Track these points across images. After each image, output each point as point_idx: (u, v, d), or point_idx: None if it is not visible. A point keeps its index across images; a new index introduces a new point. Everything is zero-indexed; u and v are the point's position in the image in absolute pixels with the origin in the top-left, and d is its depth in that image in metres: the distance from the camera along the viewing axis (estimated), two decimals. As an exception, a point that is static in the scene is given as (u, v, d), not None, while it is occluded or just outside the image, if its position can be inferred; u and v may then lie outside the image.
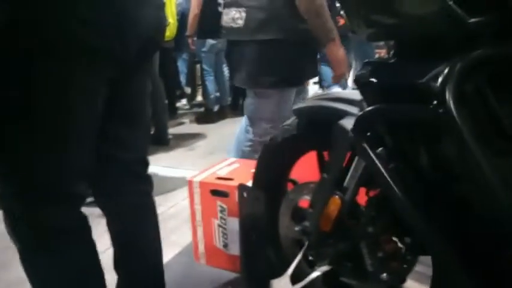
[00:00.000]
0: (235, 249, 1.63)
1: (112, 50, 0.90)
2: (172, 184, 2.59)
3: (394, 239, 1.06)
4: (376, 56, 3.81)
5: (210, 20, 4.22)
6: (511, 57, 0.66)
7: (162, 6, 1.10)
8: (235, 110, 5.01)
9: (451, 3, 0.70)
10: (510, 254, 0.70)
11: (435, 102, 0.65)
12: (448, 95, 0.63)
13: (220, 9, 4.50)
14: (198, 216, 1.75)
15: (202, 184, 1.70)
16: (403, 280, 1.06)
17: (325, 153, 1.18)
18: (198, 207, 1.74)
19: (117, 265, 1.21)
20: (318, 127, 1.16)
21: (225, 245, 1.70)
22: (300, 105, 1.23)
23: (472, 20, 0.69)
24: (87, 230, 1.03)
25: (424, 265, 1.07)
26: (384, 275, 1.00)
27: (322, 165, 1.21)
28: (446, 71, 0.64)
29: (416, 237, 0.97)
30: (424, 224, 0.80)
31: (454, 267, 0.76)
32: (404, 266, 1.08)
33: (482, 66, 0.65)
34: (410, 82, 0.71)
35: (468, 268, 0.76)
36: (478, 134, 0.63)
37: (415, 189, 0.82)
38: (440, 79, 0.64)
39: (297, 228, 1.24)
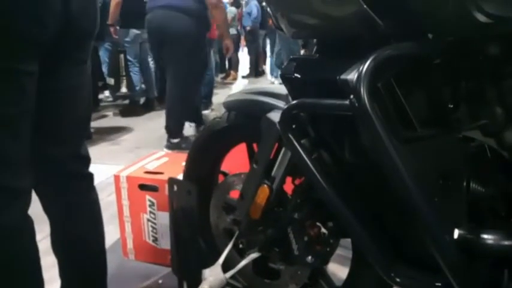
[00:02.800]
0: (165, 243, 1.63)
1: (29, 30, 0.86)
2: (96, 180, 2.49)
3: (318, 224, 1.14)
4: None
5: (134, 9, 4.11)
6: (415, 56, 0.75)
7: None
8: (163, 102, 4.92)
9: (365, 6, 0.77)
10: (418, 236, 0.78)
11: (351, 96, 0.72)
12: (362, 90, 0.70)
13: (144, -2, 4.37)
14: (126, 212, 1.72)
15: (129, 179, 1.67)
16: (327, 262, 1.14)
17: (255, 145, 1.22)
18: (125, 203, 1.71)
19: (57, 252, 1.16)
20: (247, 120, 1.20)
21: (155, 240, 1.69)
22: (230, 98, 1.26)
23: (383, 22, 0.77)
24: (25, 231, 0.96)
25: (345, 248, 1.16)
26: (309, 257, 1.07)
27: (252, 156, 1.25)
28: (360, 68, 0.71)
29: (337, 221, 1.05)
30: (343, 209, 0.87)
31: (371, 249, 0.84)
32: (328, 249, 1.16)
33: (391, 64, 0.73)
34: (330, 78, 0.77)
35: (383, 248, 0.84)
36: (388, 125, 0.71)
37: (336, 176, 0.89)
38: (355, 75, 0.71)
39: (228, 219, 1.27)
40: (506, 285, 0.77)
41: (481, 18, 0.68)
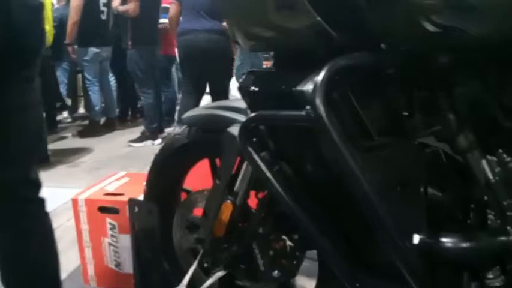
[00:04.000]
0: (128, 267, 1.56)
1: None
2: (54, 205, 2.38)
3: (283, 237, 1.12)
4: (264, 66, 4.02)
5: (92, 27, 4.04)
6: (369, 66, 0.77)
7: (37, 8, 1.02)
8: (124, 121, 4.81)
9: (319, 18, 0.78)
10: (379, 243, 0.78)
11: (307, 107, 0.72)
12: (317, 101, 0.70)
13: (102, 16, 4.31)
14: (86, 237, 1.64)
15: (88, 202, 1.60)
16: (293, 275, 1.13)
17: (218, 161, 1.21)
18: (85, 227, 1.63)
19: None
20: (208, 135, 1.19)
21: (117, 264, 1.62)
22: (190, 114, 1.24)
23: (337, 34, 0.78)
24: None
25: (313, 260, 1.16)
26: (275, 272, 1.05)
27: (215, 172, 1.23)
28: (315, 79, 0.71)
29: (302, 233, 1.04)
30: (306, 221, 0.87)
31: (335, 259, 0.84)
32: (294, 262, 1.15)
33: (346, 74, 0.75)
34: (287, 90, 0.77)
35: (347, 259, 0.84)
36: (346, 135, 0.72)
37: (298, 188, 0.89)
38: (310, 86, 0.72)
39: (191, 238, 1.24)
40: (466, 286, 0.78)
41: (431, 28, 0.70)
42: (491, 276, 0.77)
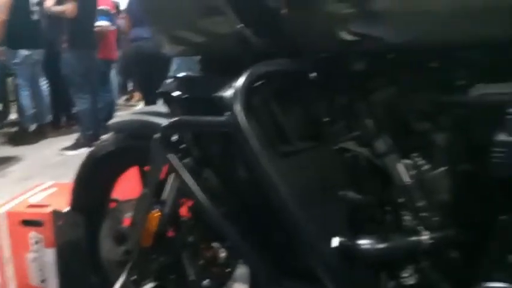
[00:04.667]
0: (55, 283, 1.47)
1: None
2: (-26, 219, 2.18)
3: (215, 245, 1.11)
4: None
5: (22, 28, 3.80)
6: (289, 72, 0.78)
7: None
8: (57, 128, 4.55)
9: (240, 25, 0.79)
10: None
11: (227, 113, 0.72)
12: (236, 107, 0.70)
13: (34, 17, 4.07)
14: (7, 253, 1.52)
15: (10, 214, 1.48)
16: (224, 284, 1.12)
17: (147, 168, 1.17)
18: (6, 242, 1.51)
19: None
20: (136, 142, 1.15)
21: (43, 281, 1.51)
22: (117, 120, 1.19)
23: (259, 40, 0.79)
24: None
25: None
26: (205, 281, 1.03)
27: (144, 180, 1.19)
28: (235, 85, 0.71)
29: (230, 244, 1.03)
30: (228, 229, 0.86)
31: (258, 267, 0.84)
32: (227, 270, 1.14)
33: (267, 80, 0.75)
34: (209, 95, 0.76)
35: (271, 265, 0.84)
36: (265, 140, 0.72)
37: (222, 196, 0.88)
38: (230, 92, 0.71)
39: (119, 250, 1.19)
40: (384, 286, 0.81)
41: (347, 36, 0.73)
42: (405, 274, 0.80)
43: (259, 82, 0.73)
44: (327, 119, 0.84)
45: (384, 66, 0.81)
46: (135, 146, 1.16)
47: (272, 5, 0.75)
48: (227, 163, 0.86)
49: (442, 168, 0.78)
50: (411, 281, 0.80)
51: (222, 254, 1.12)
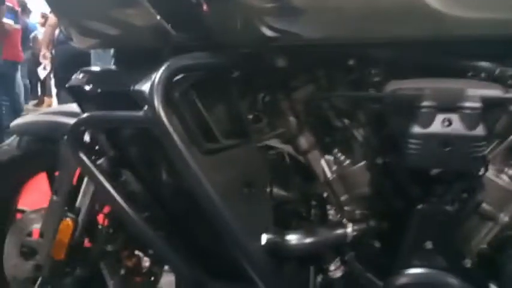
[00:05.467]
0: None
1: None
2: None
3: (138, 253, 1.04)
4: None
5: None
6: (209, 67, 0.75)
7: None
8: None
9: (159, 18, 0.74)
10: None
11: (145, 108, 0.67)
12: (156, 101, 0.65)
13: None
14: None
15: None
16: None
17: (57, 174, 1.06)
18: None
19: None
20: (43, 145, 1.04)
21: None
22: (20, 121, 1.07)
23: (178, 33, 0.75)
24: None
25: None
26: (127, 292, 0.96)
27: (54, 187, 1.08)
28: (153, 78, 0.67)
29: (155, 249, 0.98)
30: (150, 234, 0.81)
31: (184, 271, 0.80)
32: (151, 278, 1.08)
33: (187, 75, 0.72)
34: (125, 90, 0.71)
35: (197, 267, 0.81)
36: (187, 137, 0.68)
37: (141, 198, 0.83)
38: (148, 85, 0.67)
39: (28, 265, 1.06)
40: (313, 280, 0.82)
41: (266, 31, 0.72)
42: (332, 267, 0.82)
43: (179, 76, 0.70)
44: (251, 116, 0.83)
45: (303, 64, 0.82)
46: (42, 150, 1.05)
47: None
48: (146, 163, 0.81)
49: (362, 162, 0.81)
50: (338, 274, 0.81)
51: (146, 262, 1.06)
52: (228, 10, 0.71)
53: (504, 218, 0.76)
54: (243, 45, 0.76)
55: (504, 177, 0.76)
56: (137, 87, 0.69)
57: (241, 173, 0.76)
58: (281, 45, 0.75)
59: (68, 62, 3.20)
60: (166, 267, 1.11)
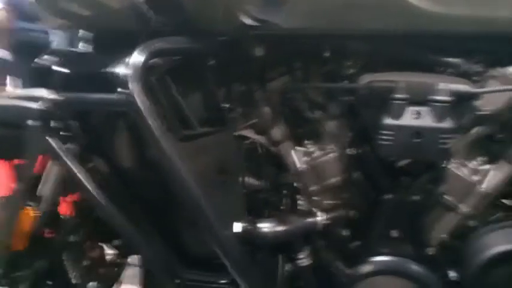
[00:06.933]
0: None
1: None
2: None
3: (101, 244, 1.01)
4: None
5: None
6: (187, 52, 0.74)
7: None
8: None
9: (138, 0, 0.73)
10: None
11: (120, 90, 0.65)
12: (132, 84, 0.64)
13: None
14: None
15: None
16: (111, 285, 1.03)
17: (17, 161, 1.01)
18: None
19: None
20: (5, 131, 0.98)
21: None
22: (-22, 106, 1.00)
23: (157, 17, 0.73)
24: None
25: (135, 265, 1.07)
26: (91, 284, 0.93)
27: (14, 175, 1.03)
28: (130, 61, 0.65)
29: (123, 238, 0.95)
30: (124, 223, 0.79)
31: (156, 259, 0.78)
32: (116, 269, 1.05)
33: (165, 59, 0.70)
34: (99, 72, 0.68)
35: (169, 256, 0.79)
36: (164, 122, 0.67)
37: (114, 186, 0.80)
38: (125, 68, 0.65)
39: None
40: (281, 268, 0.83)
41: (246, 20, 0.72)
42: (301, 256, 0.83)
43: (155, 60, 0.68)
44: (227, 105, 0.83)
45: (280, 54, 0.82)
46: (3, 136, 0.99)
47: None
48: (119, 148, 0.78)
49: (333, 153, 0.82)
50: (306, 262, 0.82)
51: (110, 253, 1.03)
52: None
53: (464, 208, 0.81)
54: (222, 33, 0.76)
55: (465, 170, 0.80)
56: (112, 69, 0.66)
57: (216, 160, 0.76)
58: (259, 34, 0.75)
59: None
60: (129, 259, 1.08)
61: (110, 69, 0.68)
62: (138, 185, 0.81)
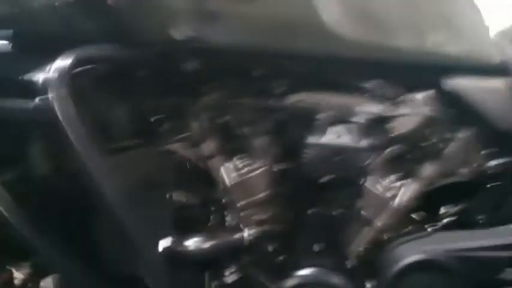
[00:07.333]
0: None
1: None
2: None
3: (10, 267, 0.92)
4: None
5: None
6: (115, 61, 0.72)
7: None
8: None
9: (62, 2, 0.69)
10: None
11: (39, 98, 0.61)
12: (54, 92, 0.60)
13: None
14: None
15: None
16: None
17: None
18: None
19: None
20: None
21: None
22: None
23: (83, 23, 0.71)
24: None
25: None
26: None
27: None
28: (54, 67, 0.61)
29: (38, 259, 0.88)
30: (41, 243, 0.73)
31: (78, 279, 0.73)
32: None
33: (92, 67, 0.67)
34: (18, 77, 0.64)
35: (92, 275, 0.75)
36: (85, 134, 0.64)
37: (29, 202, 0.74)
38: (47, 75, 0.61)
39: None
40: (208, 285, 0.82)
41: (179, 33, 0.72)
42: (228, 272, 0.83)
43: (81, 68, 0.65)
44: (157, 117, 0.81)
45: (213, 69, 0.83)
46: None
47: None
48: (36, 160, 0.73)
49: (262, 169, 0.85)
50: (233, 278, 0.82)
51: (20, 277, 0.95)
52: (141, 7, 0.70)
53: (379, 222, 0.87)
54: (154, 44, 0.75)
55: (379, 186, 0.87)
56: (31, 75, 0.62)
57: (142, 175, 0.74)
58: (191, 48, 0.75)
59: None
60: (42, 283, 1.00)
61: (29, 74, 0.63)
62: (56, 200, 0.76)
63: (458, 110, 0.85)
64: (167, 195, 0.80)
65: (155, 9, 0.70)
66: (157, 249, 0.73)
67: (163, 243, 0.73)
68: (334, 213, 0.84)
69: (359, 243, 0.87)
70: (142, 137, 0.77)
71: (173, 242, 0.76)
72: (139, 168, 0.75)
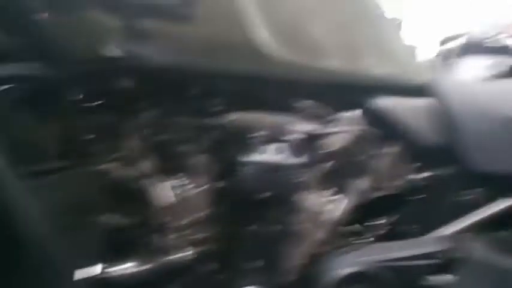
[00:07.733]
0: None
1: None
2: None
3: None
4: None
5: None
6: (44, 81, 0.69)
7: None
8: None
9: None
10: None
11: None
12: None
13: None
14: None
15: None
16: None
17: None
18: None
19: None
20: None
21: None
22: None
23: (5, 39, 0.67)
24: None
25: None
26: None
27: None
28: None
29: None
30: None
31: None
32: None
33: (14, 86, 0.64)
34: None
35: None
36: (9, 155, 0.60)
37: None
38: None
39: None
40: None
41: (113, 51, 0.71)
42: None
43: (3, 87, 0.62)
44: (88, 137, 0.78)
45: (149, 87, 0.82)
46: None
47: (28, 3, 0.66)
48: None
49: (201, 188, 0.84)
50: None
51: None
52: (70, 24, 0.67)
53: (315, 236, 0.89)
54: (85, 62, 0.72)
55: (314, 202, 0.89)
56: None
57: (72, 198, 0.70)
58: (125, 66, 0.74)
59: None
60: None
61: None
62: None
63: (384, 128, 0.91)
64: (101, 218, 0.77)
65: (85, 26, 0.68)
66: (90, 275, 0.70)
67: (95, 269, 0.70)
68: (272, 229, 0.85)
69: (296, 259, 0.89)
70: (74, 157, 0.74)
71: (107, 266, 0.72)
72: (69, 191, 0.71)
